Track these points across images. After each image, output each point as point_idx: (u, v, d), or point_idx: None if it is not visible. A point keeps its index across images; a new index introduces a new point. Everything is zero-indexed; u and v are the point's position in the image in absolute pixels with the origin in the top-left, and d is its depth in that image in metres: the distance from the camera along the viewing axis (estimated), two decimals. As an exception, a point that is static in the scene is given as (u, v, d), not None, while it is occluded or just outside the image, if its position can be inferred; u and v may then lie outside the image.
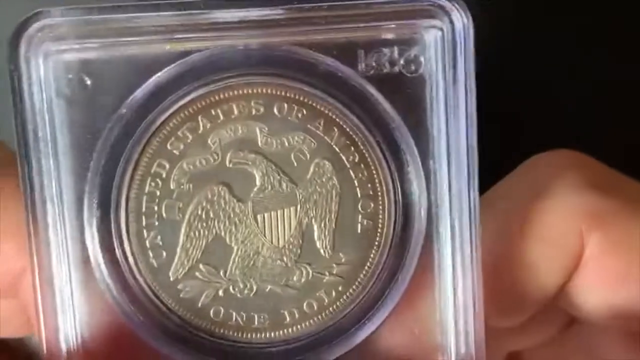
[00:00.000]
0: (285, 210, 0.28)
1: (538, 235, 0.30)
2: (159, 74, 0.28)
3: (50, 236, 0.27)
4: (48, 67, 0.27)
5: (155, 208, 0.28)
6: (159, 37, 0.27)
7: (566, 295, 0.31)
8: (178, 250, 0.28)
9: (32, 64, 0.27)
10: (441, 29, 0.28)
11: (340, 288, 0.28)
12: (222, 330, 0.28)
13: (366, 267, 0.28)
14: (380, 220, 0.28)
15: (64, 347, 0.28)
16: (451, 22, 0.28)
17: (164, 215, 0.28)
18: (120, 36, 0.27)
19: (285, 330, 0.28)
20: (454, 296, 0.29)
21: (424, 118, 0.29)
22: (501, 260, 0.30)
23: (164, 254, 0.28)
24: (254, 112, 0.28)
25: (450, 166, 0.28)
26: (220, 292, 0.28)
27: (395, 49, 0.28)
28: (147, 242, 0.28)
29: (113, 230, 0.28)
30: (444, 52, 0.28)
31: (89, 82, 0.27)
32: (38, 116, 0.27)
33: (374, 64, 0.28)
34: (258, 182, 0.28)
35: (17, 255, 0.28)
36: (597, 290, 0.30)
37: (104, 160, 0.28)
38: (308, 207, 0.28)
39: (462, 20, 0.28)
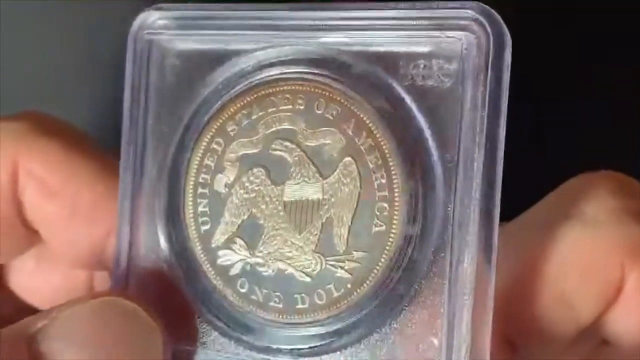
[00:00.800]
0: (310, 200, 0.30)
1: (577, 265, 0.28)
2: (229, 63, 0.32)
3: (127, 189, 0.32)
4: (154, 50, 0.32)
5: (209, 180, 0.32)
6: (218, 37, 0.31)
7: (603, 325, 0.29)
8: (221, 220, 0.31)
9: (144, 47, 0.32)
10: (478, 43, 0.28)
11: (349, 285, 0.29)
12: (244, 302, 0.31)
13: (375, 270, 0.29)
14: (393, 227, 0.29)
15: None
16: (487, 35, 0.27)
17: (215, 187, 0.32)
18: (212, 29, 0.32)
19: (297, 315, 0.30)
20: (467, 317, 0.28)
21: (454, 132, 0.29)
22: (537, 289, 0.29)
23: (209, 221, 0.31)
24: (297, 106, 0.30)
25: (473, 183, 0.28)
26: (248, 267, 0.31)
27: (433, 62, 0.28)
28: (199, 208, 0.32)
29: (178, 196, 0.32)
30: (479, 66, 0.28)
31: (178, 64, 0.32)
32: (135, 89, 0.32)
33: (410, 74, 0.29)
34: (292, 170, 0.30)
35: (110, 219, 0.33)
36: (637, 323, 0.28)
37: (179, 132, 0.32)
38: (331, 201, 0.30)
39: (498, 34, 0.27)
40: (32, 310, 0.35)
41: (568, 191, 0.30)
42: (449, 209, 0.28)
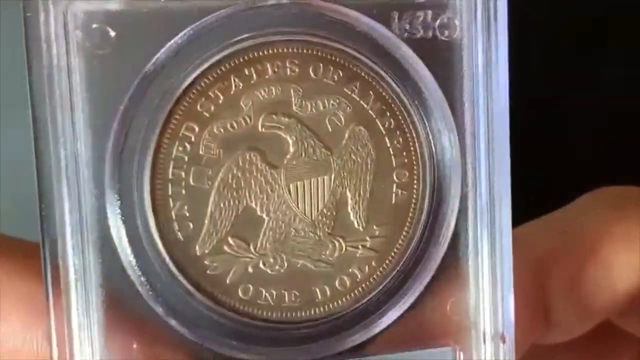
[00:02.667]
0: (319, 179, 0.26)
1: (618, 233, 0.29)
2: (188, 28, 0.25)
3: (66, 209, 0.23)
4: (68, 18, 0.22)
5: (183, 175, 0.25)
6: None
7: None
8: (206, 221, 0.25)
9: (51, 13, 0.22)
10: None
11: (373, 263, 0.26)
12: (251, 310, 0.25)
13: (400, 241, 0.26)
14: (415, 191, 0.27)
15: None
16: None
17: (192, 183, 0.25)
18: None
19: (317, 309, 0.25)
20: (487, 275, 0.27)
21: (460, 84, 0.27)
22: (576, 253, 0.29)
23: (191, 225, 0.25)
24: (288, 72, 0.25)
25: (488, 137, 0.26)
26: (250, 268, 0.25)
27: (429, 13, 0.26)
28: (172, 212, 0.24)
29: (135, 198, 0.24)
30: (478, 16, 0.26)
31: (112, 35, 0.23)
32: (55, 72, 0.22)
33: (407, 27, 0.26)
34: (291, 149, 0.26)
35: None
36: None
37: (127, 122, 0.24)
38: (343, 175, 0.25)
39: None
40: None
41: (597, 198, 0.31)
42: (468, 167, 0.27)
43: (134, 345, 0.24)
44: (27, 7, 0.22)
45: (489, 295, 0.27)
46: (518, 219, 0.29)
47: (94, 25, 0.23)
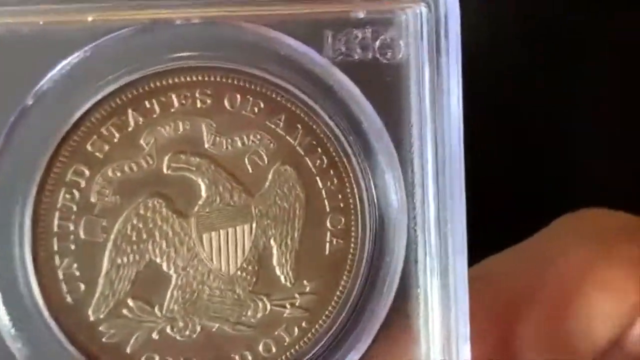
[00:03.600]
0: (238, 228, 0.22)
1: (594, 280, 0.26)
2: (76, 54, 0.21)
3: None
4: None
5: (71, 227, 0.21)
6: (78, 6, 0.19)
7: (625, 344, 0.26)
8: (100, 281, 0.21)
9: None
10: (423, 8, 0.22)
11: (304, 324, 0.22)
12: None
13: (335, 298, 0.22)
14: (352, 239, 0.23)
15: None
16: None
17: (82, 236, 0.21)
18: (27, 3, 0.18)
19: None
20: (439, 331, 0.23)
21: (405, 114, 0.23)
22: (550, 297, 0.26)
23: (82, 286, 0.21)
24: (199, 104, 0.22)
25: (438, 174, 0.22)
26: (155, 334, 0.22)
27: (369, 31, 0.22)
28: (59, 272, 0.21)
29: (15, 256, 0.21)
30: (424, 35, 0.23)
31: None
32: None
33: (343, 48, 0.22)
34: (204, 194, 0.22)
35: None
36: None
37: (4, 165, 0.21)
38: (266, 223, 0.21)
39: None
40: None
41: (570, 223, 0.28)
42: (414, 211, 0.23)
43: None
44: None
45: (441, 352, 0.23)
46: (481, 250, 0.25)
47: None
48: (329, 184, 0.22)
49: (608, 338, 0.26)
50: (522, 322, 0.25)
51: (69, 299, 0.21)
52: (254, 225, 0.21)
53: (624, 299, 0.26)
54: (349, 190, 0.22)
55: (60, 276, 0.20)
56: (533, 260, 0.26)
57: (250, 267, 0.21)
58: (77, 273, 0.20)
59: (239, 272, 0.21)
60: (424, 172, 0.22)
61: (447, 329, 0.23)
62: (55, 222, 0.20)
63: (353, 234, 0.22)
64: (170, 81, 0.21)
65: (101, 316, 0.21)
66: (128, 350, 0.21)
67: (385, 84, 0.22)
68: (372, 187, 0.22)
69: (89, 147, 0.20)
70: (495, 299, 0.25)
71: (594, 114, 0.36)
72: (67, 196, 0.20)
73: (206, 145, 0.21)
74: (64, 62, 0.20)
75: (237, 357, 0.22)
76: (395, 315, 0.23)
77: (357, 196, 0.22)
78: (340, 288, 0.22)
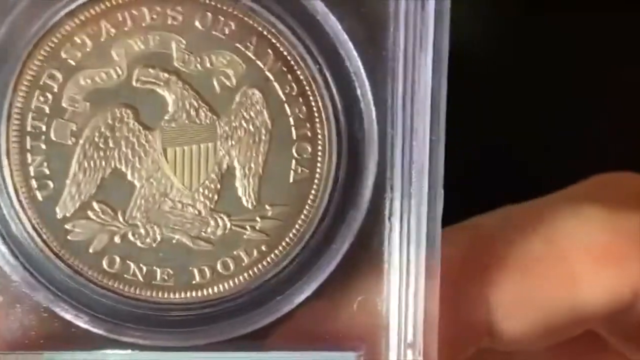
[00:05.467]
0: (202, 146, 0.22)
1: (595, 249, 0.25)
2: None
3: None
4: None
5: (44, 128, 0.22)
6: None
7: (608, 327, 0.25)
8: (68, 182, 0.22)
9: None
10: None
11: (263, 247, 0.22)
12: (117, 284, 0.21)
13: (297, 226, 0.22)
14: (318, 170, 0.22)
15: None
16: None
17: (53, 137, 0.22)
18: None
19: (193, 292, 0.21)
20: (405, 272, 0.23)
21: (384, 44, 0.22)
22: (546, 261, 0.25)
23: (51, 184, 0.22)
24: (170, 20, 0.22)
25: (413, 109, 0.21)
26: (117, 238, 0.22)
27: None
28: (30, 168, 0.22)
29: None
30: None
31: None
32: None
33: None
34: (170, 108, 0.22)
35: None
36: None
37: None
38: (230, 144, 0.21)
39: None
40: None
41: (597, 185, 0.26)
42: (388, 144, 0.21)
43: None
44: None
45: (405, 296, 0.23)
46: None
47: None
48: (297, 111, 0.21)
49: (596, 311, 0.25)
50: (498, 285, 0.24)
51: (38, 196, 0.21)
52: (218, 144, 0.21)
53: (623, 273, 0.24)
54: (317, 120, 0.21)
55: (32, 173, 0.21)
56: (541, 217, 0.25)
57: (212, 185, 0.22)
58: (47, 172, 0.21)
59: (200, 189, 0.22)
60: (393, 106, 0.21)
61: (415, 276, 0.22)
62: (29, 122, 0.21)
63: (319, 164, 0.21)
64: None
65: (67, 214, 0.22)
66: (91, 250, 0.22)
67: (364, 11, 0.21)
68: (343, 119, 0.21)
69: (62, 54, 0.21)
70: (470, 257, 0.24)
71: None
72: (41, 98, 0.21)
73: (175, 62, 0.21)
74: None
75: (195, 271, 0.22)
76: (359, 251, 0.22)
77: (325, 127, 0.21)
78: (303, 217, 0.22)
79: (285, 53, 0.21)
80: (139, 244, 0.22)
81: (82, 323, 0.22)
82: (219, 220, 0.21)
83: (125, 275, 0.22)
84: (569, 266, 0.24)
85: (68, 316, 0.22)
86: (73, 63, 0.21)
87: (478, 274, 0.24)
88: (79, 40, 0.21)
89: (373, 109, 0.21)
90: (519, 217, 0.25)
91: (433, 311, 0.22)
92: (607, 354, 0.26)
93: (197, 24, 0.21)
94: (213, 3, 0.21)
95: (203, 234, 0.22)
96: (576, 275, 0.24)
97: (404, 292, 0.22)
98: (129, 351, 0.22)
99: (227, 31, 0.21)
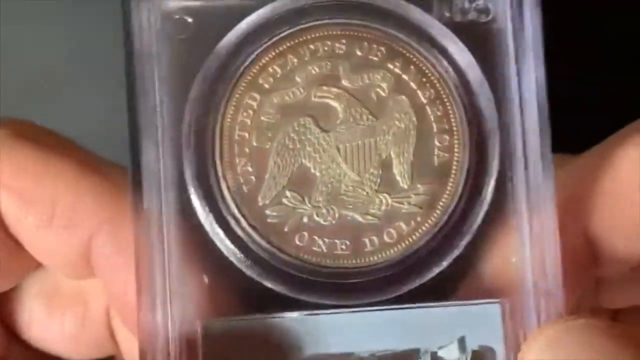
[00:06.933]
0: (366, 141, 0.28)
1: None
2: (252, 16, 0.28)
3: (151, 164, 0.27)
4: (156, 11, 0.27)
5: (247, 136, 0.28)
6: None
7: None
8: (266, 176, 0.28)
9: (143, 9, 0.27)
10: None
11: (418, 218, 0.28)
12: (306, 256, 0.28)
13: (443, 198, 0.28)
14: (456, 153, 0.28)
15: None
16: None
17: (254, 143, 0.28)
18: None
19: (366, 258, 0.28)
20: (530, 231, 0.28)
21: (496, 63, 0.28)
22: (621, 198, 0.28)
23: (254, 179, 0.28)
24: (337, 50, 0.28)
25: (522, 109, 0.28)
26: (305, 219, 0.28)
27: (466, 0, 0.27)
28: (238, 167, 0.28)
29: (208, 156, 0.28)
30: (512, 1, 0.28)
31: (190, 21, 0.27)
32: (145, 56, 0.27)
33: (447, 13, 0.28)
34: (340, 115, 0.28)
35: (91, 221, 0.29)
36: None
37: (201, 93, 0.28)
38: (387, 139, 0.28)
39: None
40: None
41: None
42: (504, 135, 0.28)
43: (205, 279, 0.28)
44: (125, 4, 0.28)
45: (534, 251, 0.28)
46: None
47: (176, 17, 0.28)
48: (436, 110, 0.29)
49: None
50: (591, 218, 0.28)
51: (244, 189, 0.29)
52: (377, 139, 0.29)
53: None
54: (452, 117, 0.29)
55: (239, 171, 0.29)
56: (598, 157, 0.28)
57: (375, 172, 0.29)
58: (250, 169, 0.29)
59: (366, 175, 0.29)
60: (512, 103, 0.28)
61: (539, 232, 0.28)
62: (236, 132, 0.29)
63: (456, 149, 0.29)
64: (317, 34, 0.29)
65: (267, 202, 0.28)
66: (286, 229, 0.28)
67: (481, 41, 0.29)
68: (471, 115, 0.29)
69: (260, 80, 0.29)
70: (565, 201, 0.28)
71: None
72: (244, 114, 0.29)
73: (342, 81, 0.29)
74: (243, 22, 0.28)
75: (366, 241, 0.29)
76: (493, 216, 0.28)
77: (458, 121, 0.29)
78: (447, 191, 0.29)
79: (423, 68, 0.29)
80: (322, 222, 0.28)
81: (277, 288, 0.28)
82: (382, 198, 0.28)
83: (312, 248, 0.28)
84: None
85: (266, 283, 0.28)
86: (267, 87, 0.28)
87: (574, 205, 0.27)
88: (271, 70, 0.29)
89: (494, 107, 0.29)
90: (603, 149, 0.28)
91: (558, 258, 0.28)
92: None
93: (357, 51, 0.29)
94: (368, 35, 0.29)
95: (371, 210, 0.28)
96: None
97: (534, 247, 0.28)
98: (314, 311, 0.28)
99: (379, 55, 0.29)
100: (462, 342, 0.28)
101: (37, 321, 0.31)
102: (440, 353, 0.28)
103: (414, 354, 0.28)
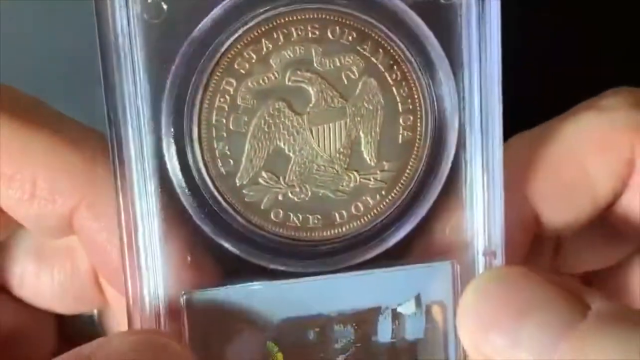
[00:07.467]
0: (337, 123, 0.30)
1: (593, 142, 0.30)
2: (226, 1, 0.28)
3: (131, 151, 0.28)
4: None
5: (224, 121, 0.29)
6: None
7: (619, 209, 0.30)
8: (243, 159, 0.29)
9: None
10: None
11: (383, 192, 0.30)
12: (281, 230, 0.30)
13: (406, 174, 0.30)
14: (418, 132, 0.30)
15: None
16: None
17: (232, 127, 0.29)
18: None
19: (336, 230, 0.30)
20: (480, 200, 0.31)
21: (457, 43, 0.30)
22: (558, 160, 0.30)
23: (231, 162, 0.29)
24: (310, 35, 0.29)
25: (481, 87, 0.30)
26: (280, 197, 0.30)
27: None
28: (216, 151, 0.29)
29: (186, 140, 0.29)
30: None
31: (165, 7, 0.28)
32: (120, 38, 0.27)
33: None
34: (313, 99, 0.29)
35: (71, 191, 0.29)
36: None
37: (178, 79, 0.28)
38: (357, 120, 0.30)
39: None
40: (44, 315, 0.32)
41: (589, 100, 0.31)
42: (463, 113, 0.31)
43: (188, 258, 0.29)
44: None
45: (482, 218, 0.31)
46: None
47: (149, 1, 0.28)
48: (401, 92, 0.30)
49: (609, 192, 0.31)
50: (535, 181, 0.31)
51: (222, 171, 0.30)
52: (347, 121, 0.30)
53: (618, 157, 0.29)
54: (416, 97, 0.30)
55: (217, 154, 0.30)
56: (547, 130, 0.30)
57: (345, 151, 0.30)
58: (228, 153, 0.30)
59: (337, 155, 0.30)
60: (471, 85, 0.30)
61: (487, 202, 0.31)
62: (214, 117, 0.29)
63: (419, 128, 0.31)
64: (290, 18, 0.29)
65: (244, 182, 0.30)
66: (262, 207, 0.30)
67: (443, 20, 0.30)
68: (433, 95, 0.31)
69: (235, 66, 0.29)
70: (512, 169, 0.31)
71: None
72: (221, 99, 0.29)
73: (315, 65, 0.30)
74: (218, 7, 0.29)
75: (336, 214, 0.31)
76: (448, 188, 0.31)
77: (422, 101, 0.31)
78: (409, 167, 0.31)
79: (390, 50, 0.30)
80: (296, 199, 0.30)
81: (255, 260, 0.30)
82: (351, 175, 0.31)
83: (287, 223, 0.30)
84: (579, 160, 0.29)
85: (244, 256, 0.30)
86: (243, 72, 0.29)
87: (518, 172, 0.29)
88: (246, 55, 0.29)
89: (455, 85, 0.31)
90: (548, 124, 0.30)
91: (501, 224, 0.31)
92: None
93: (329, 35, 0.30)
94: (340, 19, 0.30)
95: (340, 187, 0.30)
96: (586, 168, 0.29)
97: (482, 214, 0.31)
98: (288, 279, 0.30)
99: (350, 39, 0.30)
100: (418, 298, 0.31)
101: (28, 276, 0.32)
102: (399, 309, 0.31)
103: (376, 311, 0.31)
